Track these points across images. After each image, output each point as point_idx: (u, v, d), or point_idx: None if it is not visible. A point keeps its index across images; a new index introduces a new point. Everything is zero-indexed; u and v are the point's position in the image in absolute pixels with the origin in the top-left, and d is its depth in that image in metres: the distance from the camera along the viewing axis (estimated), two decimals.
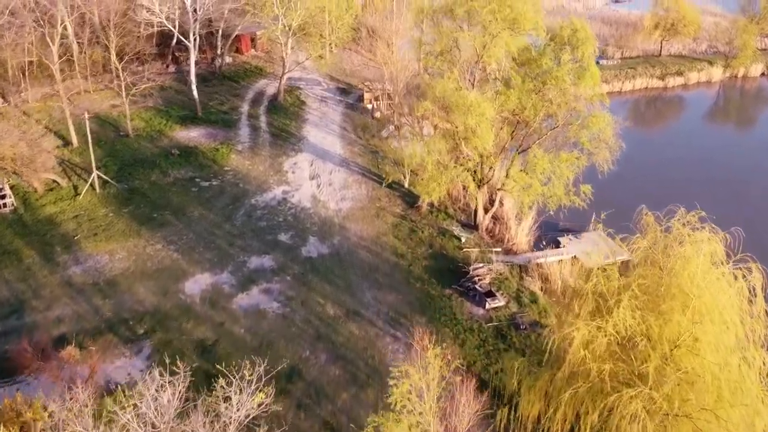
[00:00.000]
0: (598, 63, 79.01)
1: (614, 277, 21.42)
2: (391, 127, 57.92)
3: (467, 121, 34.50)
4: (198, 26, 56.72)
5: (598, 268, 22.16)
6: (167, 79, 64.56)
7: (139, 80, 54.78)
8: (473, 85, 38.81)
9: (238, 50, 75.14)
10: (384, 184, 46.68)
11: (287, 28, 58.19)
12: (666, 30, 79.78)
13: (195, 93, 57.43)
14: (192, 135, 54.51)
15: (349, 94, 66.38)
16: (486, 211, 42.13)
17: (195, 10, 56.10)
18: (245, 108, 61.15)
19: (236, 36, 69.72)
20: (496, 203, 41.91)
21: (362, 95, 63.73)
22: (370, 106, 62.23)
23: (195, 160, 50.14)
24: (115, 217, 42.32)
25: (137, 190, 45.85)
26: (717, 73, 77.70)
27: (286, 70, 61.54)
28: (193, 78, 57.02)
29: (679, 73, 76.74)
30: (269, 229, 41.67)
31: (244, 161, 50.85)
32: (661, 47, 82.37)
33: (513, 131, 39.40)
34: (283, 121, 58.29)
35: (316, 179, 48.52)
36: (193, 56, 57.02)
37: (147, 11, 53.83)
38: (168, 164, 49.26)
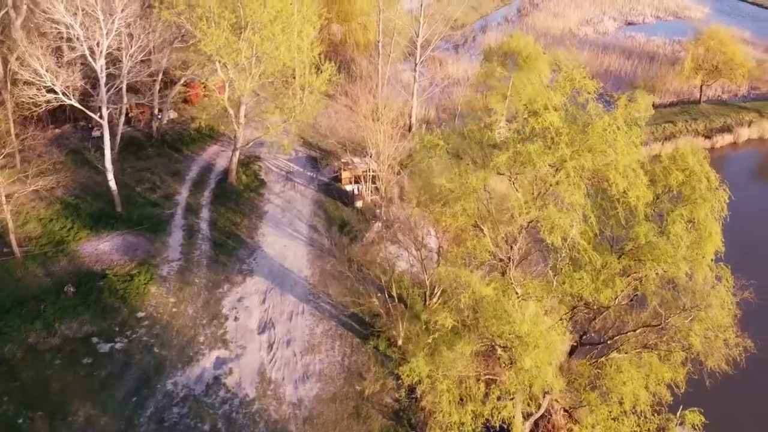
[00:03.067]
0: None
1: None
2: (378, 225, 43.57)
3: (522, 363, 19.99)
4: (110, 96, 41.27)
5: None
6: (86, 147, 49.48)
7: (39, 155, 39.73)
8: (512, 262, 24.05)
9: (186, 100, 59.85)
10: (369, 344, 32.33)
11: (238, 95, 43.33)
12: (708, 74, 65.90)
13: (112, 184, 42.36)
14: (102, 248, 39.53)
15: (323, 167, 51.75)
16: None
17: (110, 76, 40.92)
18: (184, 194, 46.23)
19: (184, 83, 54.57)
20: None
21: (340, 171, 49.21)
22: (349, 188, 47.71)
23: (98, 300, 35.15)
24: None
25: (4, 364, 31.08)
26: None
27: (239, 146, 46.71)
28: (108, 165, 41.74)
29: (728, 129, 62.82)
30: None
31: (168, 298, 36.05)
32: (701, 93, 68.47)
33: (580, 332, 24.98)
34: (231, 218, 43.49)
35: (269, 332, 33.88)
36: (107, 136, 41.75)
37: (35, 89, 37.90)
38: (57, 311, 34.15)
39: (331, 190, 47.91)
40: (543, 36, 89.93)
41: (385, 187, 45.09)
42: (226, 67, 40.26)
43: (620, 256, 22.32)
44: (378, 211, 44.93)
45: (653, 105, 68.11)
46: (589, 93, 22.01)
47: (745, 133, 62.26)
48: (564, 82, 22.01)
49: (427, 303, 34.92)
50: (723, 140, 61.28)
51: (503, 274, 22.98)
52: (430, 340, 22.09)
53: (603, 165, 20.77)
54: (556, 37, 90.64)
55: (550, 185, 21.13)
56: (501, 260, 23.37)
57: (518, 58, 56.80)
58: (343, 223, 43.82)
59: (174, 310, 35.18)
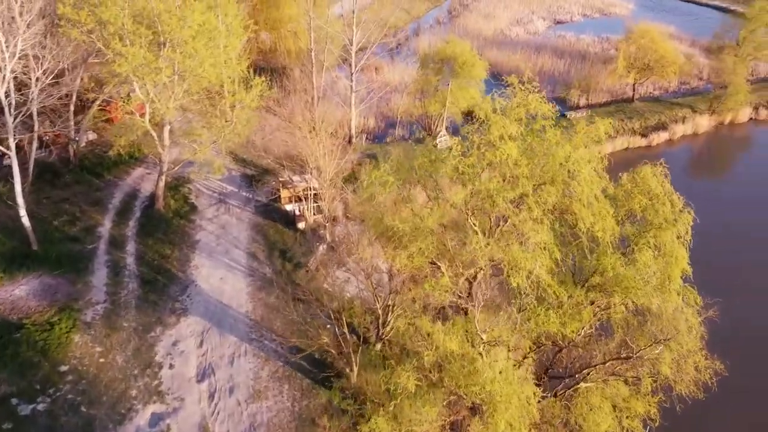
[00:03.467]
0: (564, 116, 64.99)
1: None
2: (323, 247, 41.17)
3: (495, 426, 17.98)
4: (17, 125, 37.28)
5: None
6: None
7: None
8: (476, 307, 21.95)
9: (108, 119, 55.49)
10: (321, 395, 29.82)
11: (160, 117, 40.01)
12: (640, 72, 66.38)
13: (25, 220, 38.29)
14: (18, 294, 35.54)
15: (260, 186, 48.82)
16: None
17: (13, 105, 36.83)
18: (107, 226, 42.45)
19: (102, 103, 50.39)
20: None
21: (279, 190, 46.42)
22: (290, 208, 45.05)
23: (15, 355, 31.30)
24: None
25: None
26: (703, 122, 64.87)
27: (165, 170, 43.32)
28: (19, 199, 37.68)
29: (663, 127, 63.38)
30: None
31: (94, 347, 32.58)
32: (634, 91, 68.97)
33: (545, 366, 23.29)
34: (161, 250, 40.11)
35: (209, 379, 30.96)
36: (17, 168, 37.66)
37: None
38: None
39: (270, 212, 45.15)
40: (476, 38, 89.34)
41: (329, 206, 42.73)
42: (145, 87, 36.88)
43: (586, 289, 20.83)
44: (322, 232, 42.52)
45: (588, 105, 68.51)
46: (545, 119, 20.36)
47: (680, 130, 62.95)
48: (519, 108, 20.34)
49: (381, 332, 32.83)
50: (659, 138, 61.75)
51: (465, 312, 21.11)
52: (392, 407, 19.88)
53: (567, 198, 19.13)
54: (489, 39, 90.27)
55: (513, 224, 19.32)
56: (460, 297, 21.48)
57: (455, 64, 55.46)
58: (284, 248, 41.18)
59: (101, 360, 31.77)
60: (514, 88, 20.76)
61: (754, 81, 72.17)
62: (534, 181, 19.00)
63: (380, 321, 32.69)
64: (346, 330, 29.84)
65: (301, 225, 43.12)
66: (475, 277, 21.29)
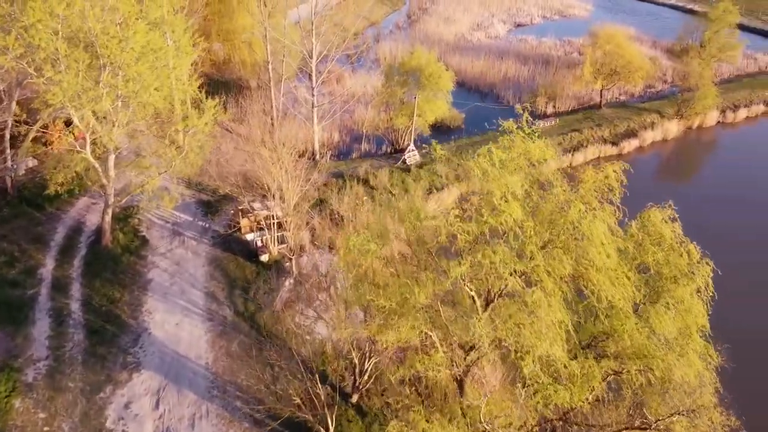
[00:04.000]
0: (532, 124, 62.99)
1: None
2: (289, 282, 38.06)
3: None
4: None
5: None
6: None
7: None
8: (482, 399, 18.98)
9: (47, 143, 51.07)
10: None
11: (104, 146, 36.26)
12: (607, 77, 64.93)
13: None
14: None
15: (217, 213, 45.35)
16: None
17: None
18: (49, 266, 38.48)
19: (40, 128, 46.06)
20: None
21: (238, 217, 43.02)
22: (251, 238, 41.71)
23: None
24: None
25: None
26: (672, 128, 63.71)
27: (111, 203, 39.53)
28: None
29: (633, 134, 61.96)
30: None
31: (37, 413, 28.79)
32: (601, 97, 67.53)
33: None
34: (109, 293, 36.33)
35: None
36: None
37: None
38: None
39: (229, 243, 41.74)
40: (437, 43, 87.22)
41: (293, 236, 39.60)
42: (84, 117, 33.19)
43: (598, 356, 18.36)
44: (287, 264, 39.35)
45: (556, 113, 66.81)
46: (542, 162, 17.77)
47: (649, 137, 61.68)
48: (519, 159, 17.73)
49: (358, 382, 29.93)
50: (630, 145, 60.34)
51: (460, 386, 18.39)
52: None
53: (581, 265, 16.57)
54: (451, 44, 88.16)
55: (524, 302, 16.62)
56: (457, 375, 18.74)
57: (421, 76, 52.91)
58: (246, 285, 37.89)
59: (46, 429, 28.07)
60: (511, 133, 18.10)
61: (718, 83, 71.60)
62: (542, 243, 16.42)
63: (357, 369, 29.81)
64: (319, 386, 26.83)
65: (263, 258, 39.88)
66: (475, 360, 18.61)
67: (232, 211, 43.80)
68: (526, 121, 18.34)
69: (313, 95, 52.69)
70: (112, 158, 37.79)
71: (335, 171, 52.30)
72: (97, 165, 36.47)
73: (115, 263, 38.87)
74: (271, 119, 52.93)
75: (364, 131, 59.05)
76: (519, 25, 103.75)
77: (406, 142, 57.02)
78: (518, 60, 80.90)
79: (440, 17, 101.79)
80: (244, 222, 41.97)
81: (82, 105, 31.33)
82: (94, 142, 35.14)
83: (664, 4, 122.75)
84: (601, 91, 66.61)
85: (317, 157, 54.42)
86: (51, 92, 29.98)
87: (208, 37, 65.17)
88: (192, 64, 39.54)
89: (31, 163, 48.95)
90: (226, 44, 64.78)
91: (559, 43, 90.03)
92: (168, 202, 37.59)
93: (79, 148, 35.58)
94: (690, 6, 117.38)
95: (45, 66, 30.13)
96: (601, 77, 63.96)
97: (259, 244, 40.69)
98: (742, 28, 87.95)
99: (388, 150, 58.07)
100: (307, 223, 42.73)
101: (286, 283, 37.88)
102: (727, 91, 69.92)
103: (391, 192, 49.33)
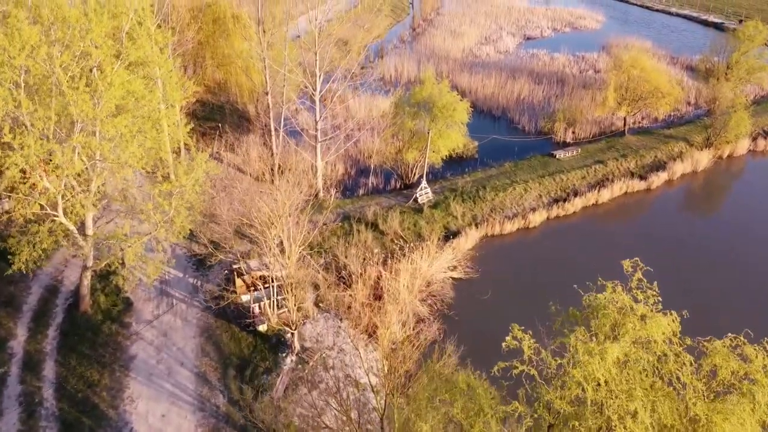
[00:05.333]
0: (552, 155, 58.52)
1: None
2: (290, 361, 33.51)
3: None
4: None
5: None
6: None
7: None
8: None
9: (27, 182, 46.25)
10: None
11: (78, 212, 31.60)
12: (631, 104, 60.41)
13: None
14: None
15: (209, 269, 40.79)
16: None
17: None
18: (20, 338, 33.89)
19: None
20: None
21: (232, 273, 38.49)
22: (246, 299, 37.10)
23: None
24: None
25: None
26: (702, 158, 59.14)
27: (90, 265, 34.98)
28: None
29: (661, 166, 57.33)
30: None
31: None
32: (625, 124, 62.96)
33: None
34: (87, 374, 31.71)
35: None
36: None
37: None
38: None
39: (222, 308, 36.99)
40: (444, 59, 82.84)
41: (296, 301, 34.92)
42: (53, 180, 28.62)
43: None
44: (289, 336, 34.76)
45: (575, 140, 62.21)
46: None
47: (678, 169, 57.01)
48: (638, 351, 13.16)
49: None
50: (658, 179, 55.63)
51: None
52: None
53: None
54: (458, 60, 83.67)
55: None
56: None
57: (434, 107, 48.31)
58: (242, 363, 33.32)
59: None
60: (615, 299, 13.50)
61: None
62: None
63: None
64: None
65: (261, 328, 35.28)
66: None
67: (226, 271, 39.16)
68: (638, 282, 13.70)
69: (317, 129, 48.15)
70: (90, 216, 33.24)
71: (340, 211, 47.74)
72: (72, 227, 31.87)
73: (94, 334, 34.36)
74: (272, 170, 48.20)
75: (372, 164, 54.54)
76: (529, 38, 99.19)
77: (416, 177, 52.57)
78: (531, 78, 76.35)
79: (446, 30, 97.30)
80: (239, 283, 37.38)
81: (50, 171, 26.73)
82: (66, 207, 30.52)
83: (677, 15, 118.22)
84: (625, 117, 62.01)
85: (320, 194, 49.90)
86: (10, 159, 25.35)
87: (203, 62, 60.66)
88: (180, 109, 34.90)
89: (8, 206, 44.30)
90: (221, 69, 60.20)
91: (573, 58, 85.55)
92: (153, 271, 32.90)
93: (49, 210, 30.93)
94: (705, 17, 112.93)
95: (4, 128, 25.50)
96: (626, 103, 59.41)
97: (257, 311, 36.07)
98: None
99: (398, 185, 53.53)
100: (310, 279, 38.23)
101: (288, 360, 33.31)
102: (754, 114, 65.52)
103: (404, 239, 44.79)
